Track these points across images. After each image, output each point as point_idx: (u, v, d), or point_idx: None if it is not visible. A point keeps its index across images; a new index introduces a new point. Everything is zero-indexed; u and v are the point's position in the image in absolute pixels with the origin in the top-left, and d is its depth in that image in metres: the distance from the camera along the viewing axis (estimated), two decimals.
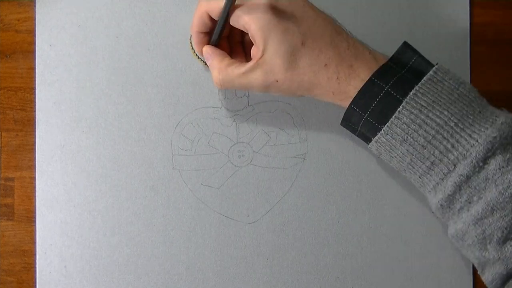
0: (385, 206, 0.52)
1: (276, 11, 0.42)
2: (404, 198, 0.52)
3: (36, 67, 0.51)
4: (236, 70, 0.44)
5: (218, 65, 0.45)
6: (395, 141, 0.40)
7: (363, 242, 0.52)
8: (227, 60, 0.45)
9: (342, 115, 0.43)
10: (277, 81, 0.43)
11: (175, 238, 0.51)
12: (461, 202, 0.40)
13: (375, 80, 0.41)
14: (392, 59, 0.42)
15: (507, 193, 0.38)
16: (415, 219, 0.52)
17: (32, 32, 0.52)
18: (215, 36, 0.46)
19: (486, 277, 0.41)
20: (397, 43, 0.44)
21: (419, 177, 0.41)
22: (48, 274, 0.51)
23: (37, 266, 0.51)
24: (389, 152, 0.41)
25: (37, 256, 0.51)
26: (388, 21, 0.52)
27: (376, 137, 0.41)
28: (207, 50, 0.47)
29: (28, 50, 0.52)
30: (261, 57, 0.42)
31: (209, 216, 0.51)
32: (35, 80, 0.51)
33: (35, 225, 0.51)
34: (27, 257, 0.51)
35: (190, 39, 0.51)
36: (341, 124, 0.44)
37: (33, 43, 0.51)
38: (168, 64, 0.52)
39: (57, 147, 0.51)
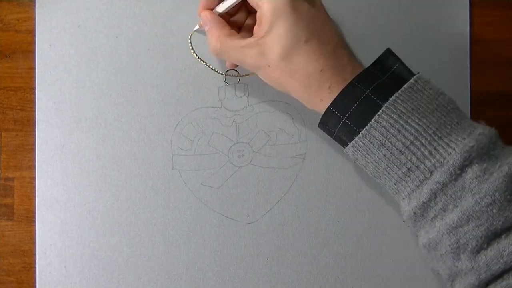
0: (385, 206, 0.52)
1: (294, 0, 0.41)
2: None
3: (36, 67, 0.51)
4: (235, 43, 0.43)
5: (218, 33, 0.44)
6: (373, 145, 0.40)
7: (363, 242, 0.52)
8: (227, 29, 0.45)
9: None
10: (268, 66, 0.42)
11: (175, 238, 0.51)
12: (435, 210, 0.39)
13: (356, 84, 0.41)
14: (374, 64, 0.42)
15: (483, 202, 0.38)
16: None
17: (32, 32, 0.52)
18: (224, 5, 0.45)
19: None
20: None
21: (394, 184, 0.41)
22: (48, 274, 0.51)
23: (37, 266, 0.51)
24: (365, 156, 0.41)
25: (37, 256, 0.51)
26: (388, 21, 0.52)
27: (353, 141, 0.41)
28: (207, 15, 0.46)
29: (28, 50, 0.52)
30: (262, 37, 0.42)
31: (209, 216, 0.51)
32: (35, 80, 0.51)
33: (35, 225, 0.51)
34: (27, 257, 0.51)
35: (190, 39, 0.51)
36: (318, 126, 0.44)
37: (33, 43, 0.51)
38: (168, 64, 0.52)
39: (57, 147, 0.51)
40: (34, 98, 0.51)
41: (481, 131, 0.39)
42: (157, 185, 0.51)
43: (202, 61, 0.51)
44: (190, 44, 0.51)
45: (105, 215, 0.51)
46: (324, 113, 0.42)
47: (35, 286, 0.51)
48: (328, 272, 0.52)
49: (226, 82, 0.51)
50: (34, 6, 0.51)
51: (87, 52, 0.51)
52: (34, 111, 0.51)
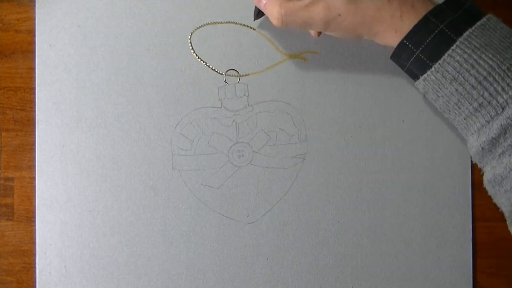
0: (385, 206, 0.52)
1: None
2: (404, 198, 0.52)
3: (36, 67, 0.51)
4: (298, 4, 0.44)
5: (279, 1, 0.45)
6: (445, 79, 0.40)
7: (363, 242, 0.52)
8: None
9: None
10: (339, 15, 0.43)
11: (175, 238, 0.51)
12: (504, 146, 0.40)
13: (431, 18, 0.41)
14: (446, 2, 0.43)
15: None
16: (415, 219, 0.52)
17: (32, 32, 0.52)
18: None
19: None
20: None
21: (464, 118, 0.41)
22: (48, 274, 0.51)
23: (37, 266, 0.51)
24: (436, 91, 0.42)
25: (37, 256, 0.51)
26: None
27: (425, 75, 0.41)
28: None
29: (28, 50, 0.52)
30: None
31: (209, 216, 0.51)
32: (35, 80, 0.51)
33: (35, 225, 0.51)
34: (27, 257, 0.51)
35: (190, 39, 0.51)
36: (391, 58, 0.44)
37: (33, 43, 0.51)
38: (168, 64, 0.52)
39: (57, 147, 0.51)
40: (34, 98, 0.51)
41: None
42: (157, 185, 0.51)
43: (202, 61, 0.51)
44: (190, 44, 0.51)
45: (105, 215, 0.51)
46: (398, 45, 0.43)
47: (35, 286, 0.51)
48: (328, 272, 0.52)
49: (226, 82, 0.51)
50: (34, 6, 0.51)
51: (87, 52, 0.51)
52: (34, 111, 0.51)
